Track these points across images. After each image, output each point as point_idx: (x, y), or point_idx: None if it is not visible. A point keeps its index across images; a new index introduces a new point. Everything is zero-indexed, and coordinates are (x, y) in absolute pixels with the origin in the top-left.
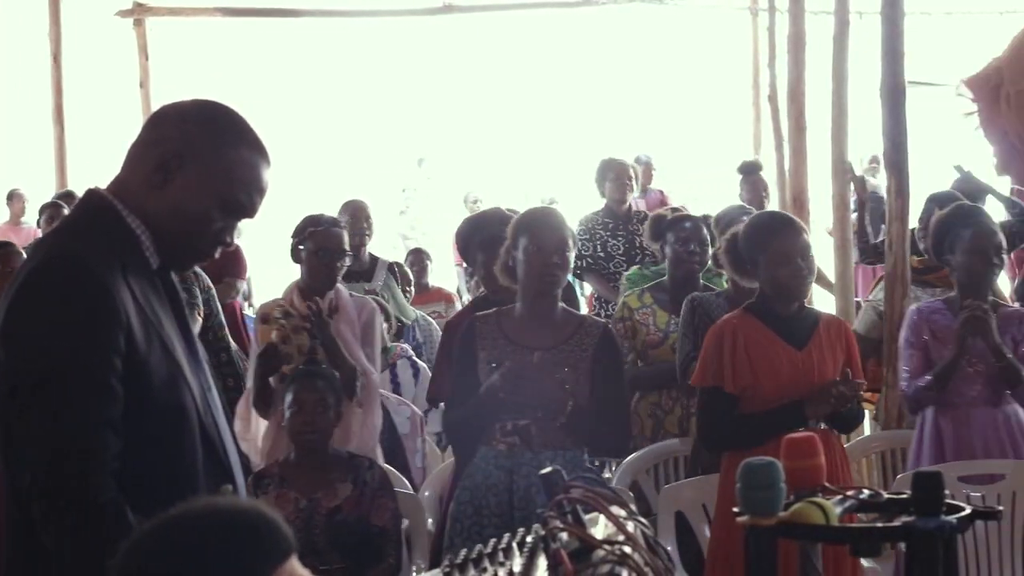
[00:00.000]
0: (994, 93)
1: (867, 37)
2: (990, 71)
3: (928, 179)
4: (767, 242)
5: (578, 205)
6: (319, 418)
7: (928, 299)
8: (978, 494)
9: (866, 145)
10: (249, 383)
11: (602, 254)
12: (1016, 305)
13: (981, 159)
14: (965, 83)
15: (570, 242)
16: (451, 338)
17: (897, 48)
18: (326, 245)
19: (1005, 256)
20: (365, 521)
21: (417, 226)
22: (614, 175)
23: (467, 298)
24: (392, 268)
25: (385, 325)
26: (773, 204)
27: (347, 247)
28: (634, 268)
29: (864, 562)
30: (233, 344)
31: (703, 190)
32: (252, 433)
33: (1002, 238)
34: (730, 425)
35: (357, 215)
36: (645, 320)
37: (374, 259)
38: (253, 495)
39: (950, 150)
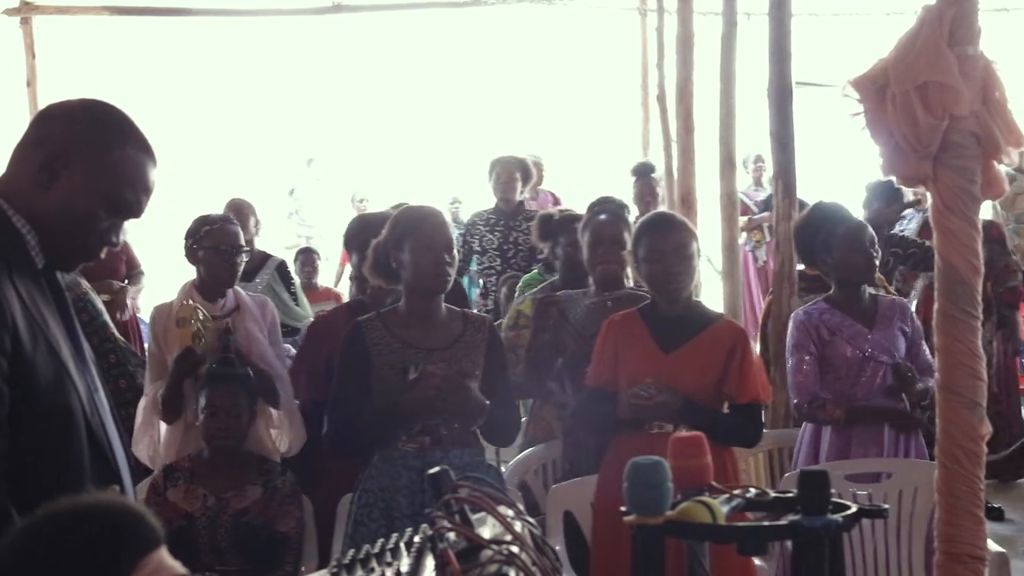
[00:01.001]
0: (880, 94)
1: (755, 38)
2: (876, 72)
3: (815, 179)
4: (642, 240)
5: (477, 205)
6: (233, 422)
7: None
8: (865, 492)
9: (753, 145)
10: (147, 386)
11: (478, 249)
12: (894, 295)
13: (868, 158)
14: (852, 84)
15: (455, 240)
16: (317, 341)
17: (784, 49)
18: (224, 241)
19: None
20: (270, 526)
21: (307, 226)
22: (497, 173)
23: None
24: (281, 268)
25: None
26: (662, 204)
27: (243, 243)
28: (534, 271)
29: (756, 560)
30: (122, 340)
31: (594, 191)
32: (153, 435)
33: (872, 231)
34: (597, 420)
35: (241, 213)
36: None
37: (264, 257)
38: (162, 487)
39: (838, 150)
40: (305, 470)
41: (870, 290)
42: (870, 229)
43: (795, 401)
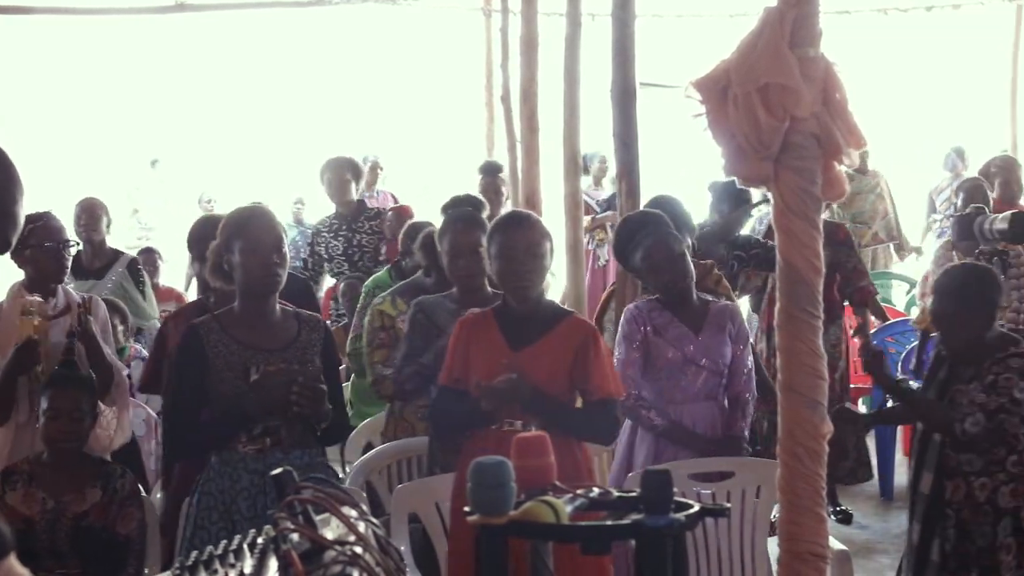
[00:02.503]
0: (722, 95)
1: (599, 38)
2: (718, 73)
3: (659, 180)
4: (495, 238)
5: (321, 205)
6: (75, 425)
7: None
8: (708, 491)
9: (597, 145)
10: None
11: (325, 256)
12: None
13: (710, 159)
14: (694, 85)
15: (285, 238)
16: (170, 342)
17: (628, 50)
18: (51, 237)
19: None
20: (111, 529)
21: (146, 228)
22: (328, 178)
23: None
24: (132, 265)
25: (121, 327)
26: (507, 204)
27: (68, 237)
28: (383, 272)
29: None
30: None
31: (439, 191)
32: None
33: (683, 241)
34: (450, 418)
35: (93, 213)
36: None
37: (115, 255)
38: (0, 491)
39: (681, 151)
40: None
41: (703, 296)
42: (680, 243)
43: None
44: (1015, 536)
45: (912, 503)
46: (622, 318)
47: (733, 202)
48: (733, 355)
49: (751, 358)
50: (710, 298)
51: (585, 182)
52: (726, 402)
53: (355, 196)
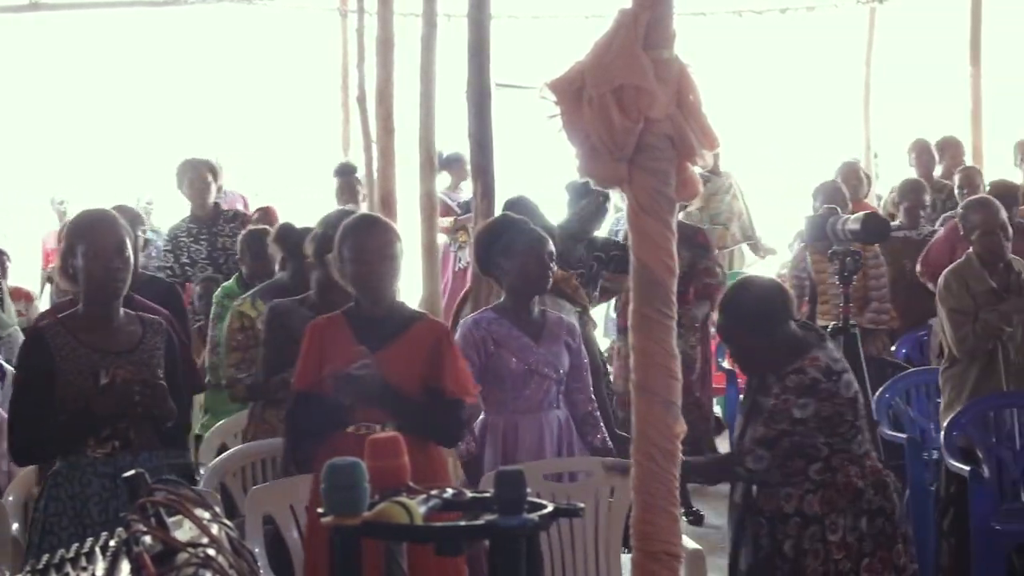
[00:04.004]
0: (577, 96)
1: (455, 39)
2: (573, 74)
3: (514, 180)
4: (347, 241)
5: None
6: None
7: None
8: (563, 492)
9: (453, 146)
10: None
11: (187, 261)
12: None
13: (565, 159)
14: (548, 86)
15: (128, 241)
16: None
17: (483, 50)
18: None
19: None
20: None
21: None
22: (190, 179)
23: None
24: None
25: None
26: (363, 205)
27: None
28: (231, 282)
29: None
30: None
31: (296, 192)
32: None
33: (551, 244)
34: (305, 423)
35: None
36: None
37: None
38: None
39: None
40: None
41: (540, 307)
42: (550, 243)
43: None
44: (823, 543)
45: (728, 510)
46: (458, 333)
47: (589, 200)
48: (572, 368)
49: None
50: (564, 307)
51: (444, 183)
52: (567, 413)
53: (213, 199)
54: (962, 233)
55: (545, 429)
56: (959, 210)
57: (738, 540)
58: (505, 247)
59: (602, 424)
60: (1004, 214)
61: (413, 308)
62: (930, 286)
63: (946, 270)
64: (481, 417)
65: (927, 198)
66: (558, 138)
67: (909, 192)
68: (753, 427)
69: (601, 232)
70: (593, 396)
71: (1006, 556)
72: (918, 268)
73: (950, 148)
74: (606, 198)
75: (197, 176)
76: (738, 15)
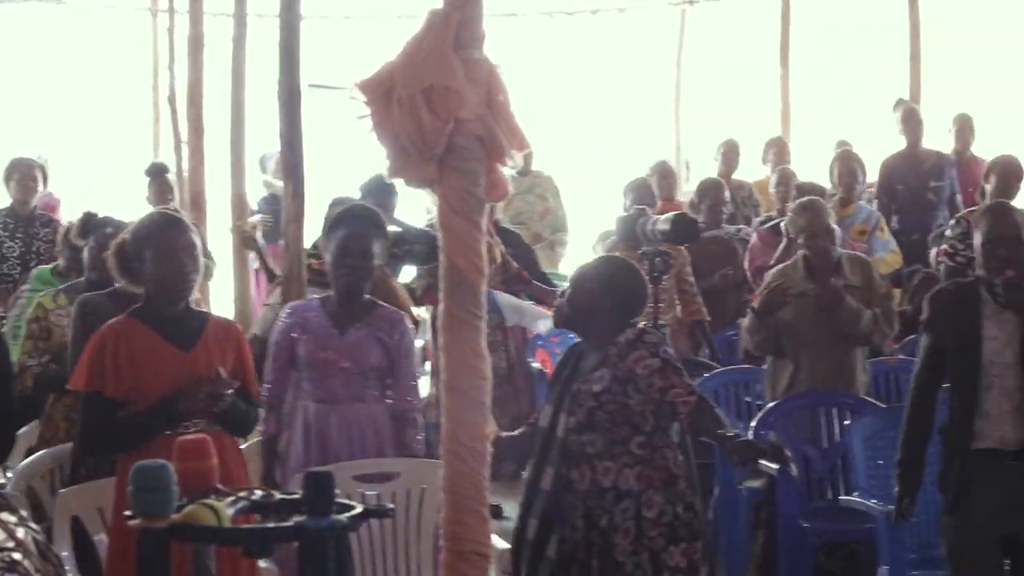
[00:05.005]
0: (387, 96)
1: (267, 39)
2: (383, 75)
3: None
4: (151, 242)
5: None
6: None
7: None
8: (373, 493)
9: (264, 146)
10: None
11: None
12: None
13: (374, 160)
14: (359, 86)
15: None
16: None
17: (294, 51)
18: None
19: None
20: None
21: None
22: (19, 177)
23: None
24: None
25: None
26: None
27: None
28: (45, 268)
29: (261, 562)
30: None
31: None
32: None
33: (372, 240)
34: (111, 428)
35: None
36: (60, 322)
37: None
38: None
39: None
40: None
41: (371, 298)
42: (368, 238)
43: (265, 391)
44: (635, 520)
45: (529, 500)
46: (276, 325)
47: (381, 196)
48: (395, 366)
49: (416, 371)
50: (383, 305)
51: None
52: (383, 409)
53: (36, 200)
54: (791, 235)
55: (344, 421)
56: (788, 213)
57: (547, 528)
58: (335, 235)
59: (418, 425)
60: (830, 216)
61: (199, 307)
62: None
63: (772, 271)
64: (293, 405)
65: (726, 196)
66: (369, 138)
67: (709, 191)
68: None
69: None
70: (414, 395)
71: (813, 553)
72: (745, 264)
73: (774, 147)
74: (394, 195)
75: (27, 175)
76: (549, 16)
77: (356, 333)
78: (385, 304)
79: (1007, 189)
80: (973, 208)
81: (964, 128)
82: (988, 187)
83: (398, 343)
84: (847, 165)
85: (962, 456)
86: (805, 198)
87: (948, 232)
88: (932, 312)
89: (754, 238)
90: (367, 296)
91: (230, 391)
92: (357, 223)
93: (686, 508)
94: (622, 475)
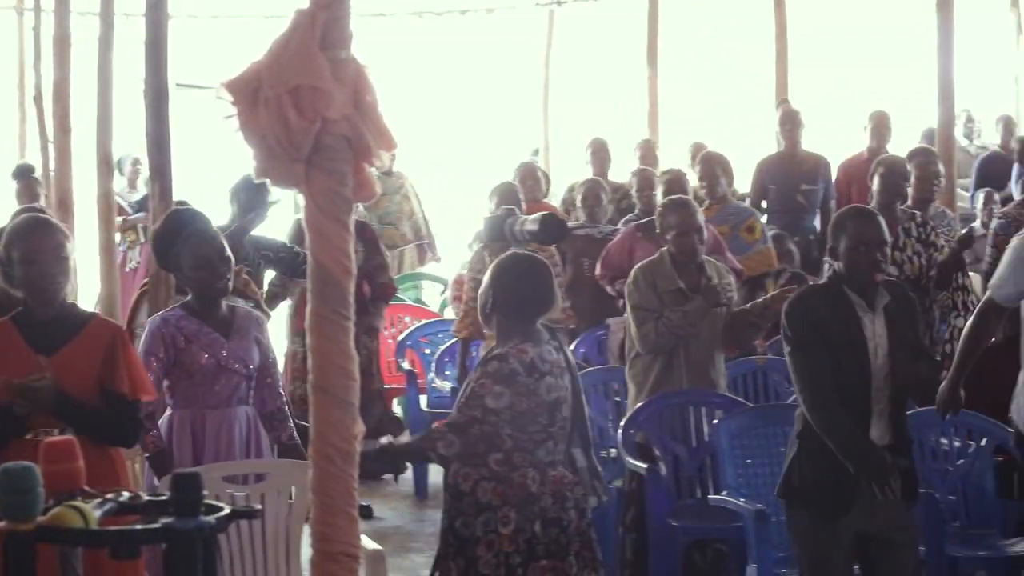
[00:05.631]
0: (254, 96)
1: (134, 38)
2: (250, 74)
3: (193, 181)
4: (17, 244)
5: None
6: None
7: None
8: (242, 494)
9: (131, 147)
10: None
11: None
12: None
13: (243, 160)
14: (225, 86)
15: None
16: None
17: (161, 50)
18: None
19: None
20: None
21: None
22: None
23: None
24: None
25: None
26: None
27: None
28: None
29: None
30: None
31: None
32: None
33: (222, 242)
34: None
35: None
36: None
37: None
38: None
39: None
40: None
41: (227, 301)
42: (219, 243)
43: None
44: (496, 534)
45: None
46: (147, 330)
47: (251, 198)
48: (266, 365)
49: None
50: (238, 303)
51: (120, 184)
52: (256, 410)
53: None
54: (659, 231)
55: (234, 425)
56: (658, 209)
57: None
58: (183, 246)
59: (290, 421)
60: (701, 216)
61: (84, 309)
62: (608, 288)
63: (636, 267)
64: (169, 412)
65: (604, 196)
66: (236, 138)
67: (588, 191)
68: (453, 408)
69: None
70: (282, 392)
71: (682, 551)
72: (597, 270)
73: (640, 149)
74: (265, 193)
75: None
76: (418, 16)
77: (237, 336)
78: (242, 304)
79: (894, 187)
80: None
81: (880, 125)
82: (874, 186)
83: (268, 342)
84: (707, 167)
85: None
86: (677, 196)
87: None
88: (806, 315)
89: (613, 240)
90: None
91: (41, 385)
92: (203, 228)
93: (547, 525)
94: (480, 487)
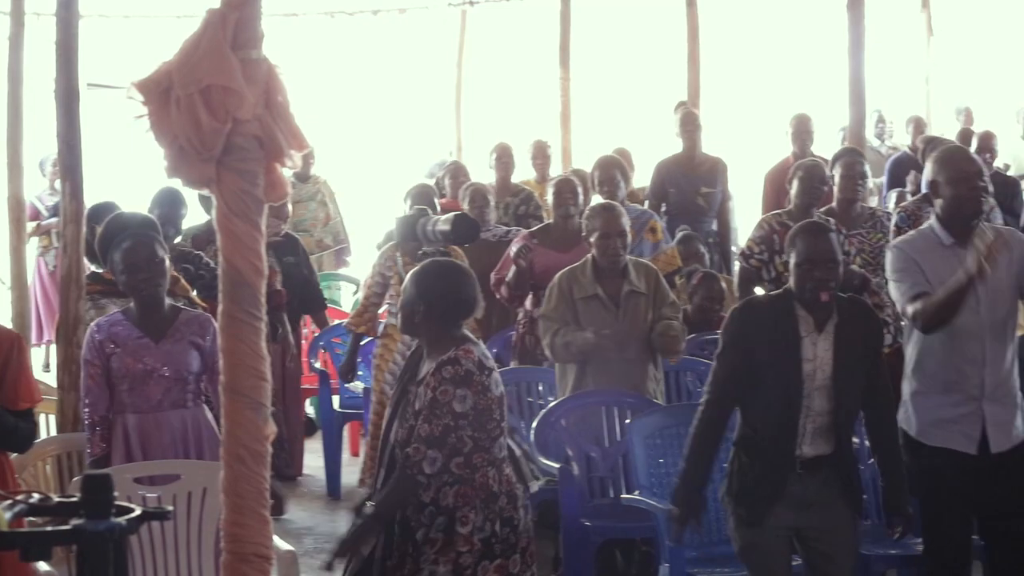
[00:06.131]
0: (165, 96)
1: (44, 37)
2: (161, 74)
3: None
4: None
5: None
6: None
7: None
8: (154, 495)
9: (43, 147)
10: None
11: None
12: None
13: (153, 160)
14: (136, 86)
15: None
16: None
17: (72, 50)
18: None
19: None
20: None
21: None
22: None
23: None
24: None
25: None
26: None
27: None
28: None
29: (41, 566)
30: None
31: None
32: None
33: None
34: None
35: None
36: None
37: None
38: None
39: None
40: None
41: (171, 302)
42: (151, 246)
43: (86, 411)
44: (445, 533)
45: (372, 496)
46: (86, 338)
47: (170, 206)
48: (211, 367)
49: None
50: (188, 308)
51: (43, 185)
52: (201, 412)
53: None
54: (583, 234)
55: (165, 429)
56: (585, 212)
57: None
58: (116, 249)
59: None
60: (626, 220)
61: None
62: (497, 294)
63: (560, 272)
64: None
65: (491, 199)
66: (147, 139)
67: (475, 194)
68: (418, 424)
69: None
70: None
71: (595, 551)
72: (492, 278)
73: (535, 148)
74: (182, 206)
75: None
76: (330, 16)
77: (170, 340)
78: (188, 308)
79: (811, 192)
80: (779, 211)
81: (800, 130)
82: (792, 191)
83: (211, 345)
84: (606, 171)
85: (782, 469)
86: (603, 201)
87: (751, 233)
88: (743, 324)
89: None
90: (169, 302)
91: None
92: (137, 231)
93: (503, 524)
94: (441, 492)
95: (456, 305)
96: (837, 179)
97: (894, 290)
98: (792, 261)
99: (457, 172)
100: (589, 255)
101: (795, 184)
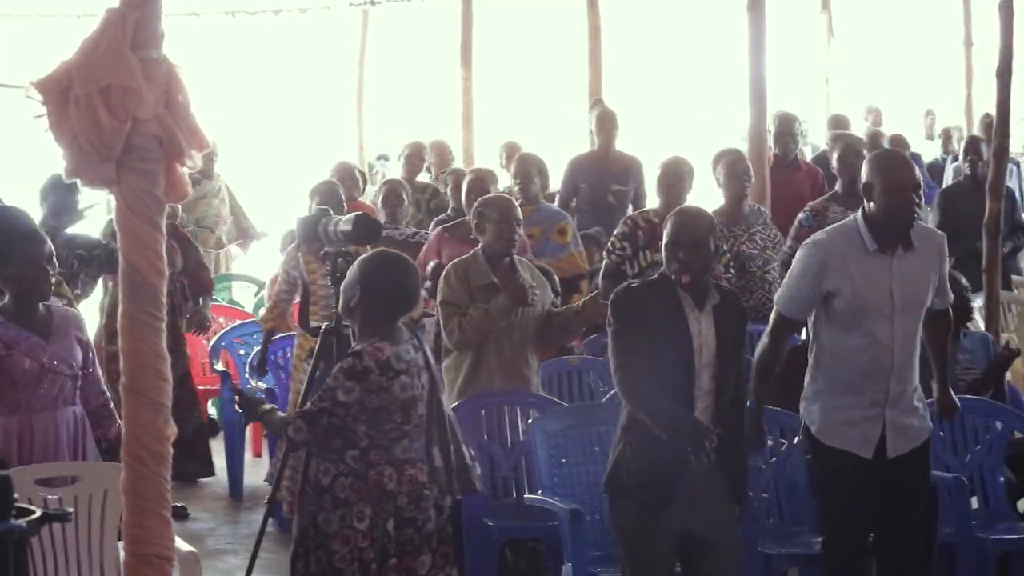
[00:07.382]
0: (64, 96)
1: None
2: (60, 74)
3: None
4: None
5: None
6: None
7: None
8: (55, 497)
9: None
10: None
11: None
12: None
13: (53, 160)
14: (35, 85)
15: None
16: None
17: None
18: None
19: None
20: None
21: None
22: None
23: None
24: None
25: None
26: None
27: None
28: None
29: None
30: None
31: None
32: None
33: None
34: None
35: None
36: None
37: None
38: None
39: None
40: None
41: (46, 303)
42: (48, 244)
43: None
44: (352, 529)
45: None
46: None
47: (62, 199)
48: (85, 362)
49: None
50: (54, 304)
51: None
52: (82, 409)
53: None
54: (475, 223)
55: (61, 427)
56: (475, 206)
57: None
58: (10, 245)
59: (116, 416)
60: (518, 212)
61: None
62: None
63: (450, 263)
64: None
65: (405, 196)
66: (46, 138)
67: (389, 191)
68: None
69: None
70: (105, 389)
71: (499, 551)
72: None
73: (436, 149)
74: (76, 192)
75: None
76: (231, 16)
77: (58, 336)
78: (57, 304)
79: (675, 189)
80: (646, 209)
81: (782, 131)
82: (658, 187)
83: (88, 340)
84: (523, 167)
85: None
86: (498, 194)
87: (616, 229)
88: (630, 302)
89: (427, 244)
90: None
91: None
92: (32, 229)
93: (403, 524)
94: (338, 482)
95: (391, 296)
96: (723, 179)
97: (783, 286)
98: (663, 242)
99: (345, 173)
100: (478, 248)
101: (662, 179)
